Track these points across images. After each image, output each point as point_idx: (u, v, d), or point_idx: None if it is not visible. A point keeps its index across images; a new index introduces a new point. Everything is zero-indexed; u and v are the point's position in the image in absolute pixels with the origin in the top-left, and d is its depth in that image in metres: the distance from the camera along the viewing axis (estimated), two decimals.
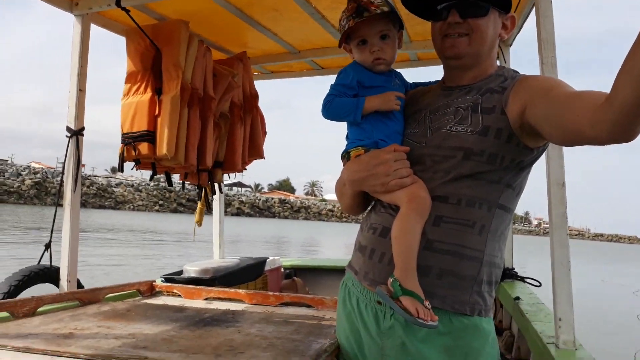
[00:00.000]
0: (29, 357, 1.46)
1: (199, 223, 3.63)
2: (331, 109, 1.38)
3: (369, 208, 1.46)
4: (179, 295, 2.54)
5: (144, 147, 2.74)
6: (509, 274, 3.62)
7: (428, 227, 1.26)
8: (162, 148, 2.72)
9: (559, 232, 1.99)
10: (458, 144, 1.26)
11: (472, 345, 1.25)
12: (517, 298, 2.88)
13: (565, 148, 2.05)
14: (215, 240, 3.90)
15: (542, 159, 1.86)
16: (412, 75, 1.58)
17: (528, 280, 3.55)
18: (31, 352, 1.50)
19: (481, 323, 1.27)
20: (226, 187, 3.88)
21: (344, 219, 78.66)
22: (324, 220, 77.81)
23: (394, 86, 1.44)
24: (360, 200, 1.44)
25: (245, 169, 3.54)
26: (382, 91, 1.39)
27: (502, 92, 1.27)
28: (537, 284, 3.45)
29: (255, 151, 3.54)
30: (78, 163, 2.54)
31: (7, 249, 13.79)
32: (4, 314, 1.88)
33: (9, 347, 1.53)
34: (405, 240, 1.23)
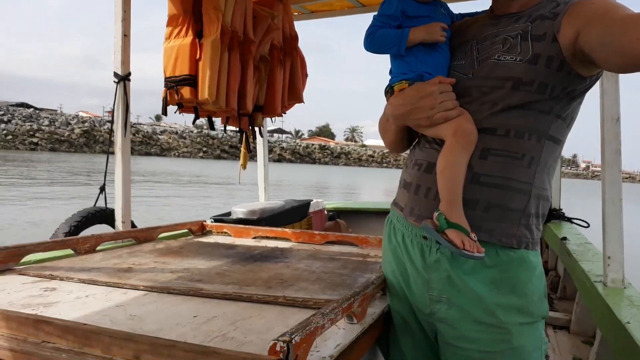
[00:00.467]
0: (94, 289, 1.56)
1: (244, 166, 3.70)
2: (374, 41, 1.35)
3: (413, 144, 1.45)
4: (229, 234, 2.63)
5: (186, 91, 2.77)
6: (556, 215, 3.57)
7: (475, 160, 1.25)
8: (204, 92, 2.74)
9: (612, 170, 1.93)
10: (506, 74, 1.22)
11: (518, 277, 1.26)
12: (564, 238, 2.85)
13: (621, 82, 1.96)
14: (260, 183, 3.98)
15: (596, 93, 1.77)
16: (458, 9, 1.51)
17: (575, 221, 3.50)
18: (96, 283, 1.61)
19: (528, 256, 1.27)
20: (268, 134, 3.91)
21: (384, 165, 78.30)
22: (364, 166, 77.66)
23: (439, 16, 1.39)
24: (403, 136, 1.43)
25: (285, 113, 3.54)
26: (427, 22, 1.35)
27: (554, 18, 1.21)
28: (585, 225, 3.40)
29: (295, 95, 3.52)
30: (127, 108, 2.60)
31: (64, 193, 14.50)
32: (68, 250, 2.00)
33: (75, 279, 1.65)
34: (451, 174, 1.23)
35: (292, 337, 0.94)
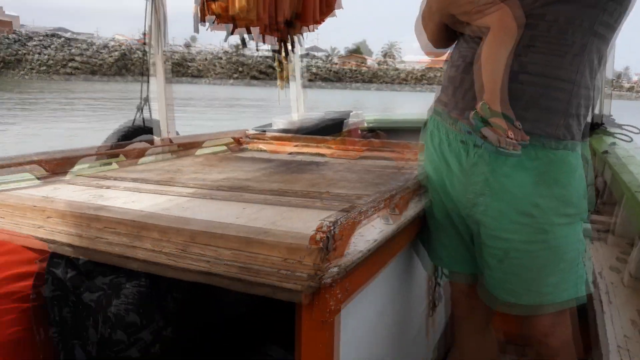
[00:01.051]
0: (140, 195, 1.63)
1: (281, 86, 3.67)
2: None
3: (456, 42, 1.42)
4: (268, 144, 2.68)
5: (217, 6, 2.72)
6: (599, 128, 3.46)
7: (516, 56, 1.21)
8: (235, 5, 2.68)
9: None
10: None
11: (558, 178, 1.25)
12: (606, 152, 2.78)
13: None
14: (296, 97, 3.95)
15: None
16: None
17: (618, 135, 3.39)
18: (141, 191, 1.68)
19: (568, 157, 1.26)
20: (299, 56, 3.82)
21: (418, 89, 76.48)
22: (397, 90, 76.11)
23: None
24: (445, 32, 1.39)
25: (323, 21, 3.43)
26: None
27: None
28: (628, 139, 3.29)
29: (329, 9, 3.40)
30: (161, 23, 2.58)
31: (103, 116, 14.81)
32: (115, 159, 2.09)
33: (121, 187, 1.72)
34: (493, 66, 1.20)
35: (332, 228, 0.98)
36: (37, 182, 1.78)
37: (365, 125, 4.08)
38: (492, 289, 1.35)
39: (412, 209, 1.48)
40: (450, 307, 1.62)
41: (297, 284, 0.94)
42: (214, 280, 1.01)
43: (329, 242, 0.95)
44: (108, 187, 1.73)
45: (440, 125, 1.40)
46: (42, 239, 1.26)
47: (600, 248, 2.23)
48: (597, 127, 3.48)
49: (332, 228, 0.97)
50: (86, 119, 17.03)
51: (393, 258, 1.36)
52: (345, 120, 3.72)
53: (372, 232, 1.25)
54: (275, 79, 3.60)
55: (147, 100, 3.03)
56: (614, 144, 2.76)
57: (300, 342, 1.00)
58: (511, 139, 1.19)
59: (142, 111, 3.01)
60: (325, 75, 71.31)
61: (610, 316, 1.55)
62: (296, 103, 3.93)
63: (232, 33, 2.97)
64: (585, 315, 2.11)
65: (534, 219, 1.25)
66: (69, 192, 1.67)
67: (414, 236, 1.50)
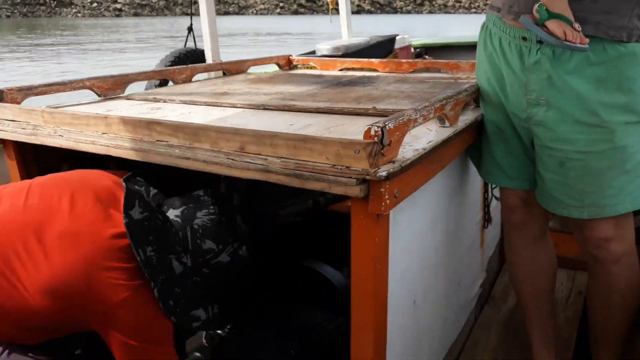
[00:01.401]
0: (195, 107, 1.66)
1: (332, 10, 3.57)
2: None
3: None
4: (315, 67, 2.64)
5: None
6: None
7: None
8: None
9: None
10: None
11: (627, 73, 1.18)
12: None
13: None
14: (343, 19, 3.85)
15: None
16: None
17: None
18: (196, 104, 1.71)
19: (639, 50, 1.17)
20: None
21: (473, 10, 72.53)
22: (450, 13, 72.41)
23: None
24: None
25: None
26: None
27: None
28: None
29: None
30: None
31: (153, 51, 14.99)
32: (169, 80, 2.12)
33: (177, 100, 1.76)
34: None
35: (386, 123, 0.97)
36: (98, 98, 1.84)
37: (412, 50, 3.93)
38: (552, 192, 1.32)
39: (470, 115, 1.44)
40: (503, 219, 1.60)
41: (352, 177, 0.95)
42: (272, 177, 1.03)
43: (384, 136, 0.95)
44: (164, 101, 1.77)
45: (499, 25, 1.32)
46: (105, 145, 1.32)
47: None
48: None
49: (386, 123, 0.96)
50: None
51: (450, 163, 1.34)
52: (393, 41, 3.60)
53: (428, 135, 1.23)
54: (317, 11, 3.47)
55: (191, 29, 3.04)
56: None
57: (354, 235, 1.02)
58: (578, 31, 1.11)
59: (192, 32, 3.02)
60: None
61: None
62: (345, 28, 3.82)
63: None
64: None
65: (599, 118, 1.19)
66: (127, 106, 1.73)
67: (471, 143, 1.47)
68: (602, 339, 1.48)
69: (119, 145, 1.29)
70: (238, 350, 1.55)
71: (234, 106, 1.64)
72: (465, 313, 1.86)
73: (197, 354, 1.65)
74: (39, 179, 1.31)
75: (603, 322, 1.45)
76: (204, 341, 1.65)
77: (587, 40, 1.12)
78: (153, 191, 1.30)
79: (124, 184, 1.24)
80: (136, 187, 1.26)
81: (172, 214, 1.27)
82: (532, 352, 1.61)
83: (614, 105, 1.19)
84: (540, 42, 1.22)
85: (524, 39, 1.25)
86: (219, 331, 1.64)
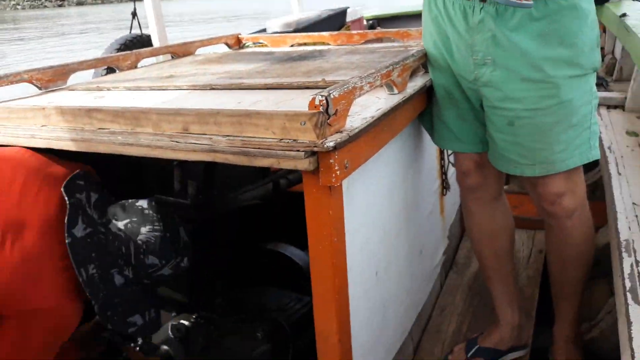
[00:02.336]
0: (140, 93, 1.60)
1: None
2: None
3: None
4: (266, 45, 2.59)
5: None
6: None
7: None
8: None
9: None
10: None
11: (568, 27, 1.18)
12: (624, 15, 2.63)
13: None
14: None
15: None
16: None
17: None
18: (140, 89, 1.65)
19: (580, 2, 1.18)
20: None
21: None
22: None
23: None
24: None
25: None
26: None
27: None
28: None
29: None
30: None
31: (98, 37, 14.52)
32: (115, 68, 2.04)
33: (121, 87, 1.69)
34: None
35: (331, 92, 0.95)
36: (38, 91, 1.75)
37: (365, 22, 3.90)
38: (504, 152, 1.33)
39: (419, 81, 1.43)
40: (458, 183, 1.61)
41: (300, 150, 0.93)
42: (219, 157, 1.00)
43: (329, 105, 0.93)
44: (108, 89, 1.70)
45: None
46: (45, 138, 1.26)
47: (609, 124, 2.17)
48: None
49: (331, 92, 0.94)
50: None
51: (401, 131, 1.34)
52: (345, 14, 3.56)
53: (377, 103, 1.22)
54: None
55: (135, 14, 2.95)
56: (624, 15, 2.60)
57: (308, 210, 1.01)
58: None
59: (137, 17, 2.92)
60: None
61: (625, 178, 1.54)
62: (296, 3, 3.76)
63: None
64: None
65: (544, 74, 1.20)
66: (69, 97, 1.65)
67: (422, 110, 1.46)
68: (561, 292, 1.52)
69: (60, 137, 1.23)
70: (205, 338, 1.53)
71: (179, 88, 1.59)
72: (430, 281, 1.89)
73: (165, 347, 1.62)
74: None
75: (561, 276, 1.49)
76: (170, 333, 1.62)
77: None
78: (94, 196, 1.27)
79: (65, 196, 1.20)
80: (77, 195, 1.23)
81: (115, 226, 1.26)
82: (496, 313, 1.64)
83: (558, 59, 1.20)
84: (483, 0, 1.21)
85: None
86: (185, 321, 1.62)
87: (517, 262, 2.08)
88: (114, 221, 1.26)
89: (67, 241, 1.16)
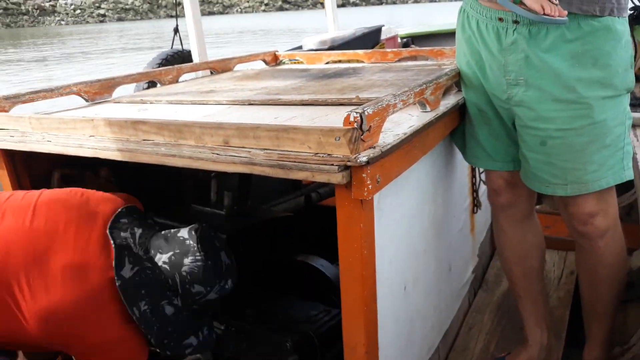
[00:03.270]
0: (181, 107, 1.68)
1: None
2: None
3: None
4: (301, 62, 2.66)
5: None
6: None
7: None
8: None
9: None
10: None
11: (602, 48, 1.20)
12: None
13: None
14: (329, 13, 3.85)
15: None
16: None
17: None
18: (182, 103, 1.72)
19: (614, 24, 1.19)
20: None
21: None
22: (435, 1, 72.44)
23: None
24: None
25: None
26: None
27: None
28: None
29: None
30: None
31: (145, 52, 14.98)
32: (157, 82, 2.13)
33: (164, 101, 1.77)
34: None
35: (365, 109, 0.98)
36: (85, 103, 1.85)
37: (399, 40, 3.94)
38: (536, 172, 1.34)
39: (451, 99, 1.46)
40: (490, 201, 1.62)
41: (334, 165, 0.96)
42: (256, 169, 1.05)
43: (363, 122, 0.96)
44: (151, 102, 1.78)
45: (475, 7, 1.34)
46: (93, 148, 1.33)
47: None
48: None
49: (365, 109, 0.98)
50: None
51: (433, 148, 1.36)
52: (379, 32, 3.61)
53: (410, 120, 1.25)
54: (302, 6, 3.48)
55: (176, 30, 3.06)
56: None
57: (340, 222, 1.04)
58: (556, 4, 1.13)
59: (178, 33, 3.03)
60: None
61: None
62: (332, 21, 3.83)
63: None
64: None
65: (577, 94, 1.21)
66: (114, 109, 1.74)
67: (454, 128, 1.49)
68: (593, 314, 1.51)
69: (106, 147, 1.30)
70: (235, 347, 1.57)
71: (219, 103, 1.66)
72: (459, 298, 1.89)
73: (198, 355, 1.67)
74: (44, 197, 1.34)
75: (593, 297, 1.48)
76: None
77: (566, 12, 1.13)
78: (138, 231, 1.33)
79: (110, 237, 1.27)
80: (122, 234, 1.30)
81: (160, 260, 1.32)
82: (525, 332, 1.63)
83: (591, 80, 1.21)
84: (516, 22, 1.24)
85: (500, 19, 1.27)
86: (216, 329, 1.66)
87: (548, 282, 2.05)
88: (158, 254, 1.32)
89: (117, 284, 1.22)
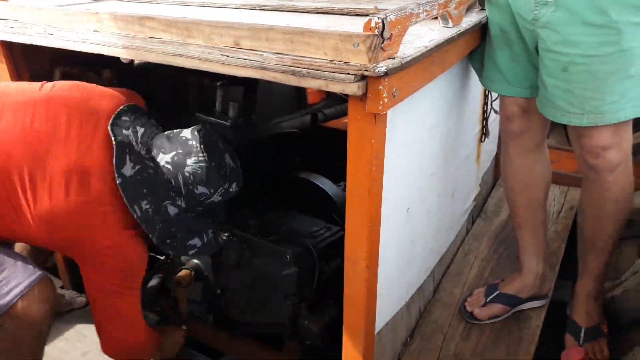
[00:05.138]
0: (188, 8, 1.59)
1: None
2: None
3: None
4: None
5: None
6: None
7: None
8: None
9: None
10: None
11: None
12: None
13: None
14: None
15: None
16: None
17: None
18: (189, 4, 1.64)
19: None
20: None
21: None
22: None
23: None
24: None
25: None
26: None
27: None
28: None
29: None
30: None
31: None
32: None
33: (171, 1, 1.68)
34: None
35: (388, 15, 0.93)
36: None
37: None
38: (553, 99, 1.29)
39: (474, 17, 1.38)
40: (501, 128, 1.58)
41: (350, 74, 0.92)
42: (268, 75, 1.01)
43: (384, 29, 0.91)
44: (157, 2, 1.69)
45: None
46: (96, 43, 1.27)
47: None
48: None
49: (388, 15, 0.92)
50: None
51: (451, 66, 1.31)
52: None
53: (431, 34, 1.19)
54: None
55: None
56: None
57: (351, 136, 1.01)
58: None
59: None
60: None
61: None
62: None
63: None
64: None
65: (608, 18, 1.14)
66: (119, 7, 1.65)
67: (474, 47, 1.42)
68: (592, 247, 1.51)
69: (111, 43, 1.24)
70: (237, 256, 1.59)
71: (228, 7, 1.58)
72: (458, 225, 1.90)
73: (195, 261, 1.69)
74: (44, 95, 1.30)
75: (594, 230, 1.48)
76: None
77: None
78: (141, 130, 1.29)
79: (111, 133, 1.23)
80: (124, 131, 1.26)
81: (163, 159, 1.28)
82: (521, 262, 1.65)
83: (626, 3, 1.14)
84: None
85: None
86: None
87: (548, 215, 2.07)
88: (161, 154, 1.29)
89: (117, 181, 1.19)
